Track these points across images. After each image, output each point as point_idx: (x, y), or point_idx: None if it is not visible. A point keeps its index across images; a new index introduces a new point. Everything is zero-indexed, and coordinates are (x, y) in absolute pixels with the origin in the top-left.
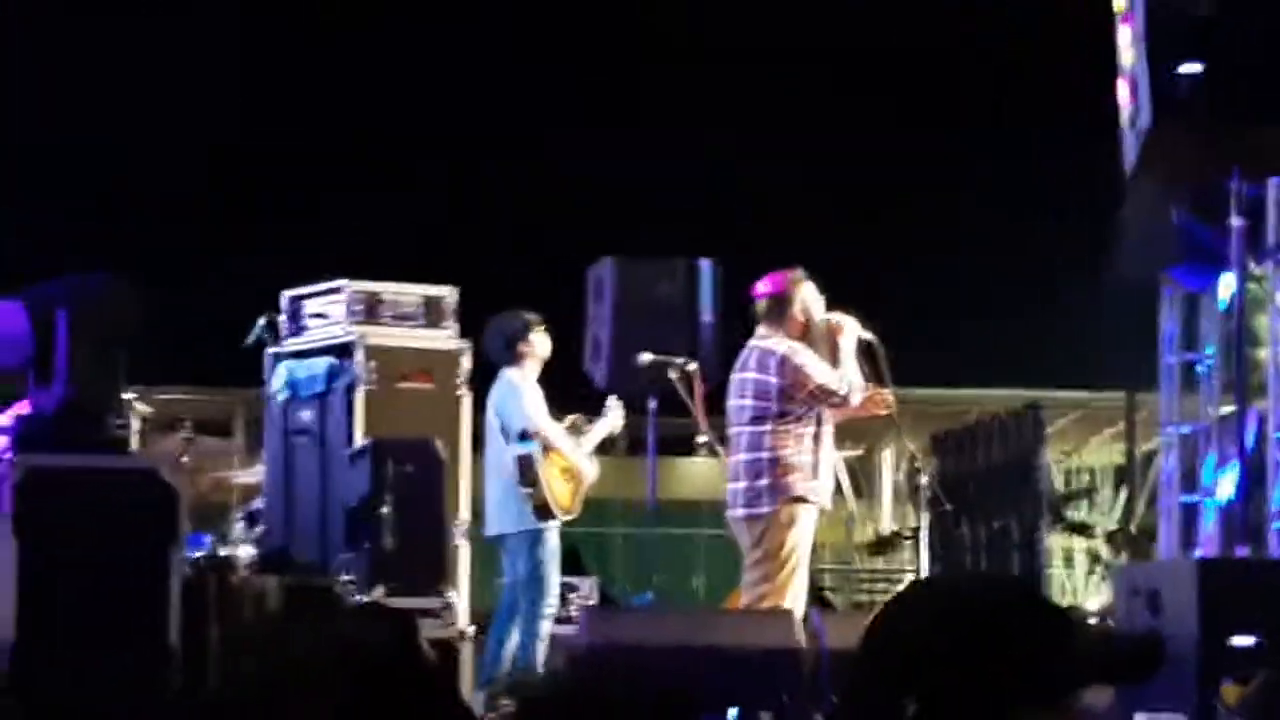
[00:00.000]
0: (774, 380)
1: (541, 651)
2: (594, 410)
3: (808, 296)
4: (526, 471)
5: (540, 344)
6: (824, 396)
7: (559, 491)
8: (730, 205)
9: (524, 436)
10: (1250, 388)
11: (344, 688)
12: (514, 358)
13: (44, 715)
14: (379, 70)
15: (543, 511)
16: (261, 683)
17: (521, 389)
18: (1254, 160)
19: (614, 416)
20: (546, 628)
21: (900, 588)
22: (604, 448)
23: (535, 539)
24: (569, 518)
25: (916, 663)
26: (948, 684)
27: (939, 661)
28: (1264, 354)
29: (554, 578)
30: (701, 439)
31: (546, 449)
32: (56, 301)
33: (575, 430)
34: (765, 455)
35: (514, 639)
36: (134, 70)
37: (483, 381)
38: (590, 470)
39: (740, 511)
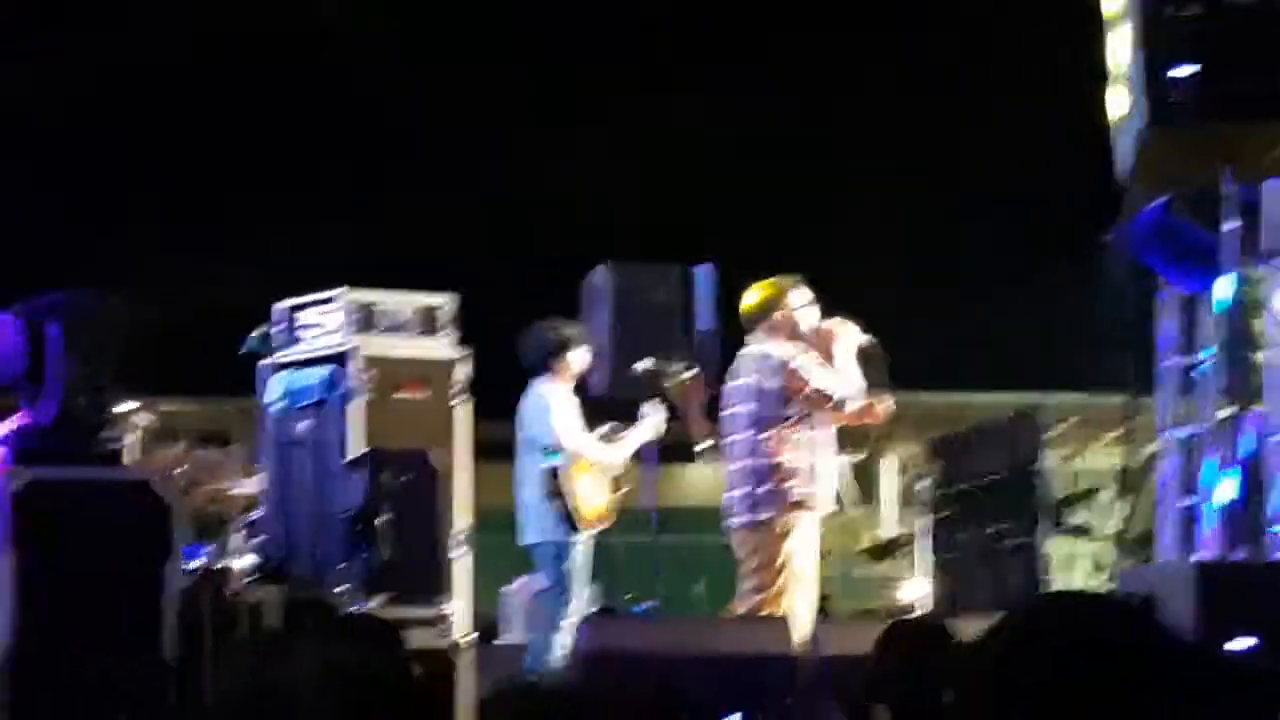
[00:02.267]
0: (769, 385)
1: (553, 662)
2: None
3: (793, 302)
4: (550, 484)
5: (577, 360)
6: (820, 401)
7: (589, 502)
8: (728, 210)
9: (551, 450)
10: (1249, 390)
11: (332, 706)
12: (547, 370)
13: None
14: (370, 73)
15: (570, 524)
16: (249, 700)
17: (550, 403)
18: (1248, 162)
19: (655, 419)
20: (566, 639)
21: (907, 593)
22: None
23: (561, 550)
24: (602, 527)
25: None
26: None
27: (1056, 691)
28: (1262, 357)
29: (578, 589)
30: (701, 446)
31: (574, 459)
32: (49, 314)
33: (610, 439)
34: (763, 462)
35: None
36: (131, 74)
37: (508, 389)
38: (622, 471)
39: (738, 520)
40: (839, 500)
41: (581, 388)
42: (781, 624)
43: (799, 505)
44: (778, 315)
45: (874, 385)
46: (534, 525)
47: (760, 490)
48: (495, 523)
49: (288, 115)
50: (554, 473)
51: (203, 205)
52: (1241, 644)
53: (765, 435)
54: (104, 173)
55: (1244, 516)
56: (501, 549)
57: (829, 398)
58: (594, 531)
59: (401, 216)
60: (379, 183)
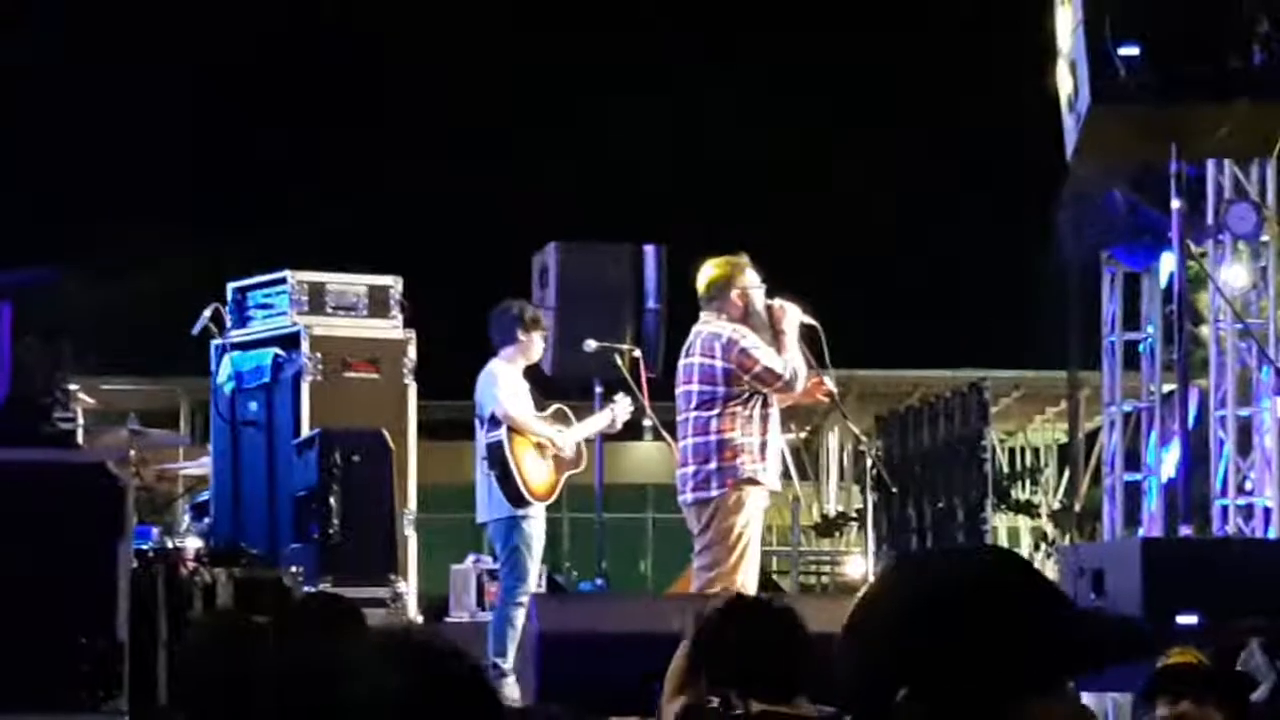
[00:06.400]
0: (719, 364)
1: (513, 638)
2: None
3: (748, 281)
4: (495, 456)
5: (536, 344)
6: (769, 380)
7: (533, 476)
8: (675, 191)
9: (496, 422)
10: (1192, 366)
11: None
12: (513, 342)
13: None
14: (323, 60)
15: (516, 498)
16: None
17: (499, 378)
18: (1192, 142)
19: (618, 409)
20: (520, 614)
21: (854, 568)
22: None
23: (511, 525)
24: (546, 503)
25: (904, 645)
26: (939, 668)
27: (928, 643)
28: (1206, 331)
29: (531, 565)
30: (647, 424)
31: (516, 433)
32: (0, 294)
33: (560, 419)
34: (712, 439)
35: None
36: (86, 62)
37: (453, 370)
38: (571, 454)
39: (690, 496)
40: (787, 476)
41: (539, 377)
42: None
43: (748, 481)
44: (733, 294)
45: (816, 365)
46: (485, 503)
47: (709, 467)
48: (441, 501)
49: (235, 106)
50: (498, 445)
51: (150, 189)
52: (1186, 620)
53: (714, 413)
54: (53, 155)
55: (1187, 491)
56: (448, 528)
57: (778, 376)
58: (543, 505)
59: (345, 202)
60: (323, 170)
